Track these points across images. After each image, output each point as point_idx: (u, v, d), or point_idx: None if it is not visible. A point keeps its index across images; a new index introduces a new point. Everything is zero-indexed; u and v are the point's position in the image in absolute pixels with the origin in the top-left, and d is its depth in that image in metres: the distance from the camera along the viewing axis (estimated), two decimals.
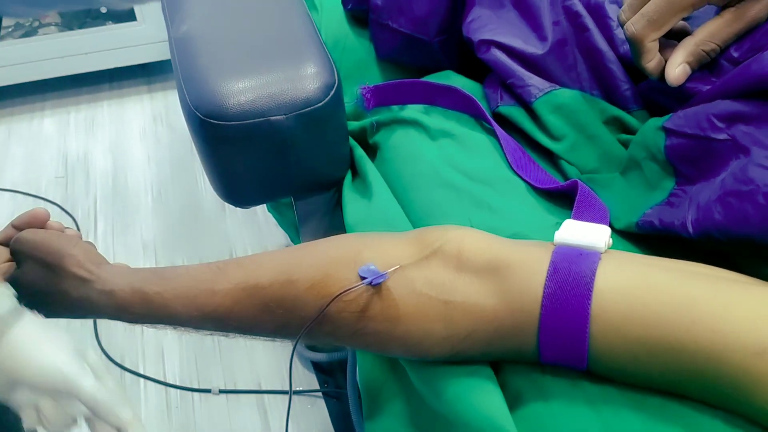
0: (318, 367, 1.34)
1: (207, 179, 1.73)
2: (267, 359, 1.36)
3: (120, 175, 1.77)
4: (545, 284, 0.46)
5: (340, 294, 0.51)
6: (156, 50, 2.00)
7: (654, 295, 0.44)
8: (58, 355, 0.51)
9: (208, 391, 1.31)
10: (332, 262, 0.54)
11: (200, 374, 1.34)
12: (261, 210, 1.67)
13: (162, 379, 1.31)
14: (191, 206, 1.68)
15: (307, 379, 1.33)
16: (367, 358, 0.66)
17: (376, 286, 0.51)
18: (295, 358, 1.37)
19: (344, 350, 1.28)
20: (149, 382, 1.31)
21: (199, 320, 0.58)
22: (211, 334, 0.60)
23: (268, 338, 0.60)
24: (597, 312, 0.45)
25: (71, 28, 1.90)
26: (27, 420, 0.53)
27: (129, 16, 1.95)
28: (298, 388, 1.31)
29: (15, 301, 0.53)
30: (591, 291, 0.45)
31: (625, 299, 0.44)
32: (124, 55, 1.99)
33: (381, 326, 0.51)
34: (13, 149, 1.85)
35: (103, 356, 1.33)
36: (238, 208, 1.65)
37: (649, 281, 0.45)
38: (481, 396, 0.48)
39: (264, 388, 1.32)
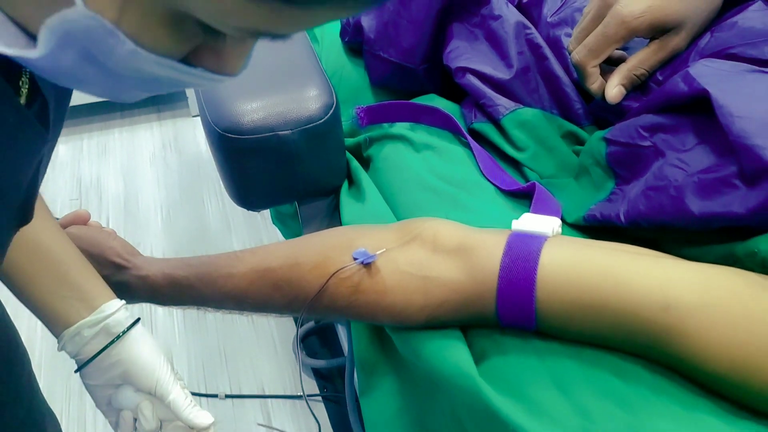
0: (318, 374, 1.41)
1: (213, 201, 1.82)
2: (269, 366, 1.43)
3: (131, 197, 1.84)
4: (501, 260, 0.57)
5: (337, 272, 0.61)
6: None
7: (586, 266, 0.55)
8: (156, 360, 0.60)
9: (215, 396, 1.37)
10: (331, 248, 0.65)
11: (207, 380, 1.40)
12: (264, 229, 1.74)
13: None
14: (198, 226, 1.75)
15: (308, 385, 1.39)
16: (362, 341, 0.75)
17: (366, 265, 0.62)
18: (295, 365, 1.44)
19: (342, 357, 1.34)
20: None
21: (220, 300, 0.69)
22: (231, 313, 0.71)
23: (278, 314, 0.70)
24: (541, 280, 0.55)
25: None
26: (123, 425, 0.61)
27: None
28: (299, 393, 1.38)
29: (127, 311, 0.61)
30: (537, 264, 0.55)
31: (563, 270, 0.55)
32: None
33: (371, 298, 0.62)
34: None
35: None
36: (242, 229, 1.74)
37: (583, 256, 0.56)
38: (453, 352, 0.58)
39: (267, 393, 1.38)
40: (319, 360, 1.40)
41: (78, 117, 2.11)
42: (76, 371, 0.60)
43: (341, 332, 1.33)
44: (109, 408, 0.61)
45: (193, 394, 1.35)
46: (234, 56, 0.32)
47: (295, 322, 1.50)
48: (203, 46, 0.31)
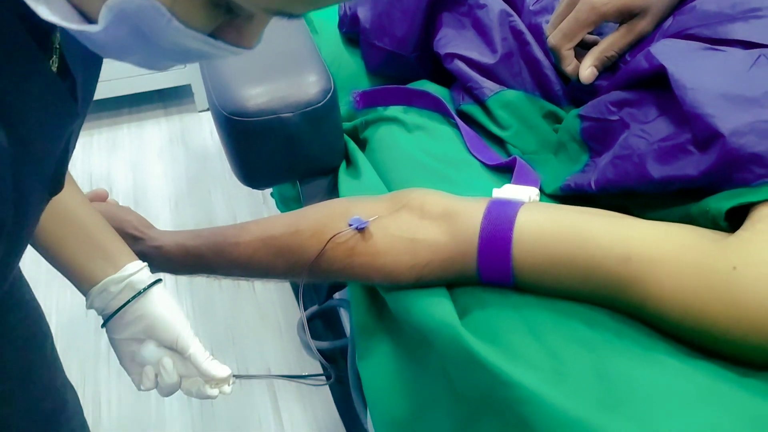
0: (322, 355, 1.46)
1: (219, 193, 1.87)
2: (275, 348, 1.48)
3: (140, 190, 1.90)
4: (481, 223, 0.63)
5: (334, 236, 0.67)
6: (172, 77, 2.12)
7: (557, 226, 0.60)
8: (177, 316, 0.65)
9: None
10: (328, 216, 0.70)
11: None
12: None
13: None
14: (205, 217, 1.81)
15: (312, 366, 1.45)
16: (360, 309, 0.80)
17: (361, 231, 0.67)
18: (300, 347, 1.49)
19: (345, 339, 1.39)
20: None
21: (227, 267, 0.74)
22: (238, 279, 0.76)
23: (281, 279, 0.75)
24: (517, 240, 0.61)
25: None
26: (145, 380, 0.66)
27: None
28: (303, 373, 1.44)
29: (149, 271, 0.67)
30: (513, 224, 0.61)
31: (536, 230, 0.61)
32: (142, 81, 2.10)
33: (365, 260, 0.67)
34: None
35: None
36: (246, 218, 1.79)
37: (554, 217, 0.61)
38: (438, 308, 0.63)
39: (273, 373, 1.42)
40: (323, 342, 1.44)
41: (87, 113, 2.15)
42: (102, 325, 0.65)
43: (344, 315, 1.39)
44: (132, 364, 0.66)
45: None
46: (252, 32, 0.38)
47: (299, 306, 1.56)
48: (226, 22, 0.36)
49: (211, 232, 0.76)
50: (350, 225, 0.67)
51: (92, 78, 0.50)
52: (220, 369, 0.65)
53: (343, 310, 1.37)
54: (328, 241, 0.67)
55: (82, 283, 0.64)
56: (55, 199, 0.52)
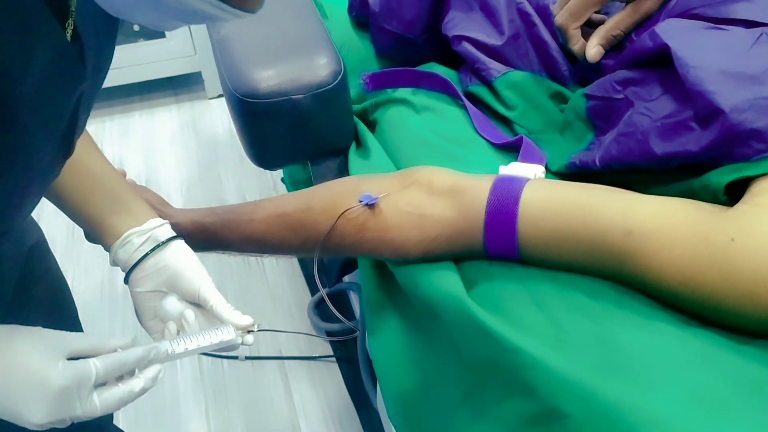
0: (332, 336, 1.48)
1: (230, 179, 1.89)
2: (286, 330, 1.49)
3: (152, 177, 1.92)
4: (488, 198, 0.64)
5: (345, 212, 0.69)
6: (183, 64, 2.14)
7: (561, 201, 0.62)
8: (198, 269, 0.66)
9: (236, 357, 1.44)
10: (339, 193, 0.72)
11: None
12: None
13: None
14: (217, 203, 1.81)
15: (323, 347, 1.47)
16: (370, 286, 0.82)
17: (371, 207, 0.69)
18: (311, 329, 1.51)
19: (355, 321, 1.41)
20: None
21: (242, 243, 0.77)
22: (252, 255, 0.78)
23: (294, 254, 0.77)
24: (522, 214, 0.62)
25: None
26: (168, 336, 0.65)
27: (159, 33, 2.07)
28: (314, 355, 1.46)
29: (170, 228, 0.68)
30: (518, 199, 0.63)
31: (541, 205, 0.62)
32: (153, 69, 2.12)
33: (375, 235, 0.69)
34: None
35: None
36: None
37: (558, 193, 0.63)
38: (446, 280, 0.65)
39: (284, 354, 1.45)
40: (333, 324, 1.46)
41: (99, 101, 2.14)
42: (125, 279, 0.67)
43: (353, 298, 1.41)
44: (154, 321, 0.67)
45: (215, 355, 1.43)
46: None
47: (310, 291, 1.58)
48: None
49: (225, 210, 0.78)
50: (360, 201, 0.69)
51: (106, 44, 0.51)
52: (242, 318, 0.64)
53: (353, 293, 1.39)
54: (339, 217, 0.69)
55: (106, 236, 0.65)
56: (80, 159, 0.54)
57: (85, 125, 0.55)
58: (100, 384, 0.52)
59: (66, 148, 0.50)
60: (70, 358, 0.51)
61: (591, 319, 0.57)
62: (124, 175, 0.82)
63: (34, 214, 0.75)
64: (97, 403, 0.51)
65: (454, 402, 0.66)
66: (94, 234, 0.67)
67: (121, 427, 1.33)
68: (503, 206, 0.63)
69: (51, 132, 0.45)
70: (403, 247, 0.68)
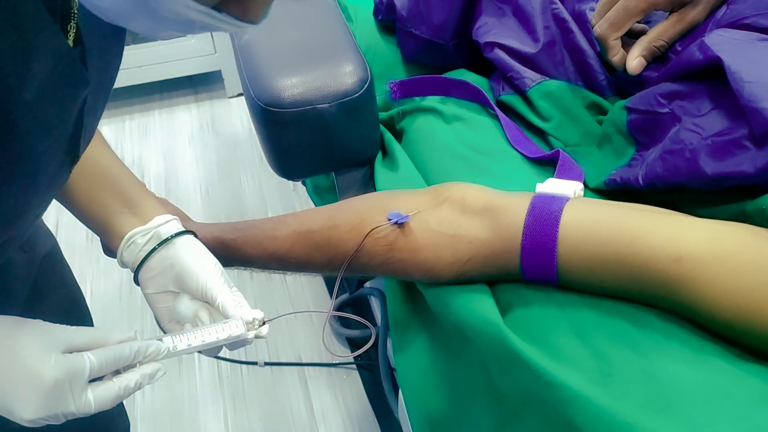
0: (352, 343, 1.47)
1: (249, 179, 1.88)
2: (306, 336, 1.49)
3: (171, 176, 1.91)
4: (525, 219, 0.61)
5: (373, 230, 0.66)
6: (202, 63, 2.13)
7: (604, 223, 0.59)
8: (204, 264, 0.61)
9: (255, 363, 1.40)
10: (367, 210, 0.70)
11: (247, 349, 1.42)
12: (299, 204, 1.79)
13: None
14: (236, 203, 1.81)
15: (343, 353, 1.45)
16: (396, 303, 0.80)
17: (400, 225, 0.67)
18: (331, 335, 1.49)
19: (376, 327, 1.39)
20: (202, 356, 1.44)
21: (265, 260, 0.74)
22: (275, 272, 0.76)
23: (318, 273, 0.75)
24: (562, 237, 0.59)
25: (126, 44, 2.03)
26: None
27: None
28: (334, 362, 1.44)
29: (179, 224, 0.64)
30: (558, 221, 0.60)
31: (583, 227, 0.59)
32: (173, 67, 2.12)
33: (404, 255, 0.66)
34: None
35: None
36: (277, 205, 1.80)
37: (601, 214, 0.60)
38: (480, 304, 0.63)
39: (304, 361, 1.44)
40: (354, 330, 1.45)
41: (119, 99, 2.18)
42: (134, 279, 0.63)
43: (374, 304, 1.39)
44: (171, 324, 0.63)
45: (234, 361, 1.42)
46: (257, 6, 0.37)
47: (330, 295, 1.56)
48: None
49: (247, 225, 0.75)
50: (389, 219, 0.66)
51: (112, 44, 0.49)
52: (249, 312, 0.59)
53: (374, 298, 1.38)
54: (366, 235, 0.66)
55: (112, 238, 0.63)
56: (85, 154, 0.51)
57: (94, 130, 0.52)
58: (97, 378, 0.50)
59: (73, 154, 0.49)
60: (68, 352, 0.49)
61: (636, 351, 0.55)
62: None
63: (51, 221, 0.74)
64: (91, 400, 0.49)
65: (486, 430, 0.64)
66: (100, 236, 0.64)
67: None
68: (542, 228, 0.60)
69: (55, 138, 0.44)
70: (434, 268, 0.65)
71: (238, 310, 0.59)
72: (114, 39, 0.50)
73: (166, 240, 0.61)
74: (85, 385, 0.49)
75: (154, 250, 0.61)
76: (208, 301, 0.60)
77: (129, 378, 0.51)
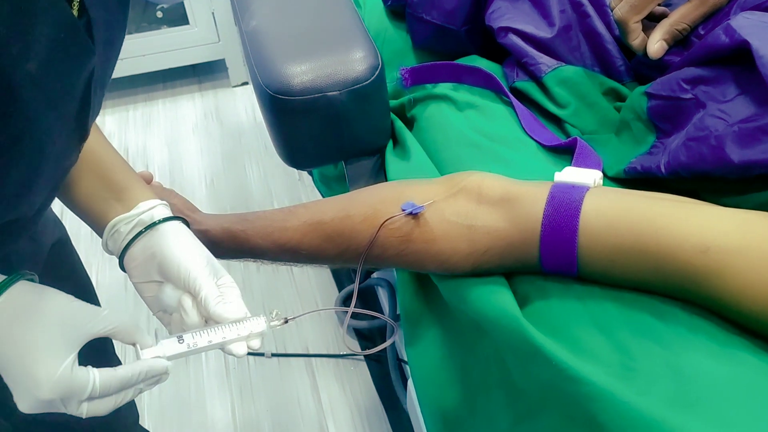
0: (360, 334, 1.46)
1: (254, 168, 1.87)
2: (313, 327, 1.48)
3: (176, 166, 1.91)
4: (544, 209, 0.59)
5: (386, 221, 0.65)
6: (206, 52, 2.12)
7: (626, 213, 0.57)
8: (189, 254, 0.57)
9: (262, 354, 1.42)
10: (380, 201, 0.68)
11: None
12: (305, 194, 1.78)
13: None
14: (241, 193, 1.81)
15: (351, 345, 1.45)
16: (407, 295, 0.78)
17: (415, 216, 0.65)
18: (338, 326, 1.48)
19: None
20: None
21: (275, 252, 0.72)
22: (286, 264, 0.74)
23: (330, 264, 0.73)
24: (583, 227, 0.57)
25: (129, 32, 2.02)
26: (175, 327, 0.58)
27: (182, 20, 2.06)
28: (342, 353, 1.43)
29: (166, 209, 0.61)
30: (579, 211, 0.58)
31: (604, 216, 0.57)
32: (176, 56, 2.11)
33: (419, 247, 0.65)
34: None
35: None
36: (282, 194, 1.79)
37: (623, 203, 0.58)
38: (498, 296, 0.61)
39: (311, 352, 1.43)
40: (362, 321, 1.44)
41: (123, 89, 2.18)
42: (120, 268, 0.61)
43: (382, 295, 1.37)
44: (161, 314, 0.60)
45: None
46: None
47: (337, 286, 1.55)
48: None
49: (257, 216, 0.74)
50: (403, 210, 0.65)
51: (117, 18, 0.48)
52: (231, 312, 0.55)
53: (381, 288, 1.36)
54: (380, 226, 0.65)
55: (99, 225, 0.60)
56: None
57: (99, 107, 0.51)
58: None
59: (81, 131, 0.47)
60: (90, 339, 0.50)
61: (661, 344, 0.53)
62: (150, 179, 0.78)
63: (57, 210, 0.72)
64: (84, 410, 0.49)
65: (503, 425, 0.62)
66: (87, 223, 0.62)
67: (146, 424, 1.32)
68: (562, 218, 0.58)
69: (61, 113, 0.43)
70: (450, 260, 0.64)
71: (220, 307, 0.55)
72: (119, 12, 0.48)
73: (149, 227, 0.58)
74: (80, 401, 0.49)
75: (135, 238, 0.58)
76: (192, 294, 0.56)
77: (127, 390, 0.52)
